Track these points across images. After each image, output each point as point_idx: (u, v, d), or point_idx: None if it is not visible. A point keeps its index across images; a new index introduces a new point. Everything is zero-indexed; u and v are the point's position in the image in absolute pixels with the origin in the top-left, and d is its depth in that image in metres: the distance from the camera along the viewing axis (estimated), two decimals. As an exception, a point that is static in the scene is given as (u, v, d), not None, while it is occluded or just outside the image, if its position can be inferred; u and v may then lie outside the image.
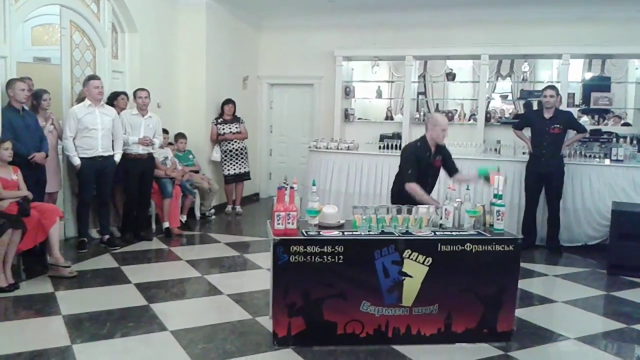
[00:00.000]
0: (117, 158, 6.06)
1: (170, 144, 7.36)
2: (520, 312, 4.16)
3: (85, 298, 4.48)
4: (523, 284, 4.85)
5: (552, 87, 6.30)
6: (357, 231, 3.70)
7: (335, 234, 3.66)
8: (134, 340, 3.71)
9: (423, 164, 4.65)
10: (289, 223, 3.59)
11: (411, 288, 3.61)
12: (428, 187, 4.73)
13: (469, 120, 8.84)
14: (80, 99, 6.10)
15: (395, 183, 4.90)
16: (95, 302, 4.33)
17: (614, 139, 7.13)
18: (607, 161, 6.54)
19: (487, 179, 4.34)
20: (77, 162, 5.76)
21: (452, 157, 4.90)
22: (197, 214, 7.75)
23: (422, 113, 9.07)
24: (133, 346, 3.63)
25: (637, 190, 6.15)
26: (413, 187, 4.54)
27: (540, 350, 3.68)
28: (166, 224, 6.71)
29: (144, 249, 6.09)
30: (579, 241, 6.45)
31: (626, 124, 8.36)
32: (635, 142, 7.00)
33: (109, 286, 4.79)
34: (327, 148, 7.36)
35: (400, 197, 4.58)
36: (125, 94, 6.55)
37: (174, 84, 8.01)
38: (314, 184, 3.95)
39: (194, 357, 3.43)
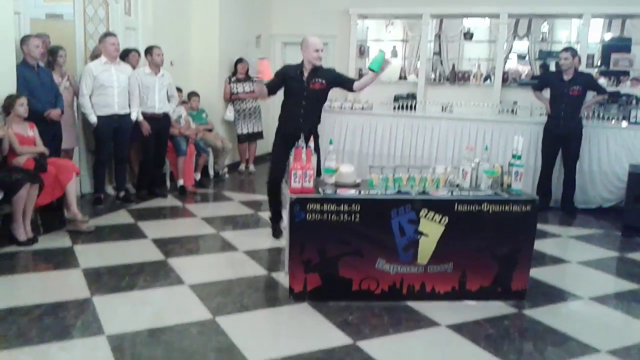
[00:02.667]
0: (134, 117, 6.07)
1: (183, 102, 7.34)
2: (533, 272, 4.16)
3: (103, 252, 4.55)
4: (537, 244, 4.78)
5: (567, 50, 6.17)
6: (373, 190, 3.70)
7: (352, 193, 3.67)
8: (153, 292, 3.79)
9: (292, 83, 4.63)
10: (305, 181, 3.60)
11: (427, 247, 3.63)
12: (303, 110, 4.65)
13: (485, 81, 8.72)
14: (94, 56, 6.07)
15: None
16: (113, 256, 4.40)
17: (633, 101, 7.01)
18: (624, 123, 6.45)
19: (380, 68, 4.37)
20: (93, 119, 5.77)
21: (346, 76, 4.90)
22: (211, 172, 7.77)
23: (437, 73, 8.95)
24: (152, 298, 3.71)
25: (655, 153, 6.09)
26: (261, 88, 4.61)
27: (553, 309, 3.72)
28: (180, 182, 6.74)
29: (160, 205, 6.15)
30: (594, 203, 6.43)
31: (645, 86, 8.20)
32: (654, 104, 6.89)
33: (126, 241, 4.86)
34: (341, 108, 7.30)
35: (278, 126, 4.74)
36: (136, 51, 6.48)
37: (187, 41, 7.93)
38: (330, 143, 3.95)
39: (212, 310, 3.49)
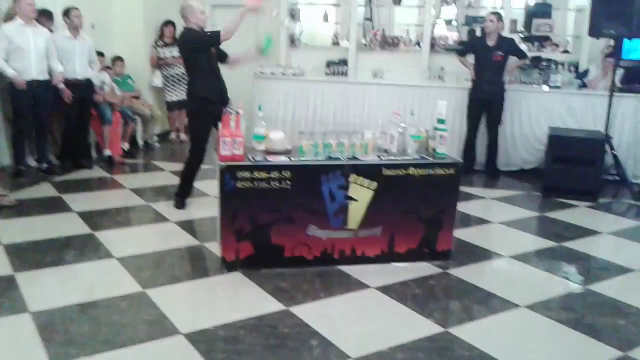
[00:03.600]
0: (60, 84, 5.78)
1: (107, 67, 7.04)
2: (458, 233, 4.35)
3: (26, 227, 4.37)
4: (462, 206, 5.02)
5: (494, 13, 6.35)
6: (304, 157, 3.72)
7: (282, 159, 3.67)
8: (80, 267, 3.70)
9: (206, 35, 4.56)
10: (235, 149, 3.57)
11: (356, 211, 3.70)
12: (219, 77, 4.69)
13: (415, 46, 8.81)
14: (8, 18, 5.69)
15: (191, 90, 4.69)
16: (36, 231, 4.24)
17: (553, 66, 7.30)
18: (545, 87, 6.72)
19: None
20: (11, 72, 5.40)
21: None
22: (140, 141, 7.55)
23: (368, 39, 8.96)
24: (79, 273, 3.62)
25: (573, 116, 6.39)
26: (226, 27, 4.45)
27: (476, 267, 3.90)
28: (107, 152, 6.52)
29: (85, 177, 5.93)
30: (516, 166, 6.71)
31: (565, 52, 8.55)
32: (572, 69, 7.20)
33: (50, 215, 4.68)
34: (272, 74, 7.23)
35: (201, 102, 4.54)
36: (49, 12, 6.11)
37: (109, 2, 7.56)
38: (260, 109, 3.91)
39: (143, 282, 3.45)
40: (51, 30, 5.95)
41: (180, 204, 4.93)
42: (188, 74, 4.71)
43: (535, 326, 3.13)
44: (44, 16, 6.01)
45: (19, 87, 5.52)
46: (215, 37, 4.43)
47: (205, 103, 4.54)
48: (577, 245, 4.39)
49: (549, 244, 4.42)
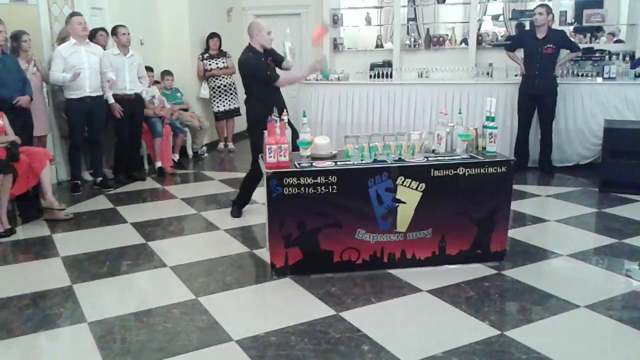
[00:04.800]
0: (110, 100, 5.98)
1: (156, 82, 7.23)
2: (513, 233, 4.24)
3: (83, 239, 4.51)
4: (516, 205, 4.91)
5: (543, 5, 6.15)
6: (349, 161, 3.69)
7: (328, 164, 3.65)
8: (134, 277, 3.78)
9: (263, 71, 4.56)
10: (280, 156, 3.58)
11: (405, 214, 3.64)
12: (277, 93, 4.65)
13: (461, 44, 8.67)
14: (60, 39, 5.93)
15: (249, 106, 4.73)
16: (92, 243, 4.36)
17: (607, 57, 7.03)
18: (599, 79, 6.47)
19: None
20: (68, 77, 5.54)
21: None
22: (190, 152, 7.71)
23: (412, 39, 8.87)
24: (133, 283, 3.70)
25: (630, 108, 6.12)
26: (286, 77, 4.63)
27: (532, 268, 3.76)
28: (159, 164, 6.68)
29: (138, 189, 6.09)
30: (571, 161, 6.48)
31: (619, 41, 8.22)
32: (627, 58, 6.91)
33: (106, 227, 4.82)
34: (316, 80, 7.23)
35: (257, 116, 4.48)
36: (104, 30, 6.34)
37: (156, 19, 7.77)
38: (304, 116, 3.91)
39: (195, 290, 3.49)
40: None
41: (237, 212, 4.98)
42: (245, 88, 4.77)
43: (597, 327, 2.99)
44: (101, 32, 6.26)
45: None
46: (270, 80, 4.54)
47: (262, 117, 4.55)
48: (639, 241, 4.18)
49: (608, 240, 4.22)
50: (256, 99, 4.64)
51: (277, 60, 4.73)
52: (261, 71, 4.55)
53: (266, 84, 4.55)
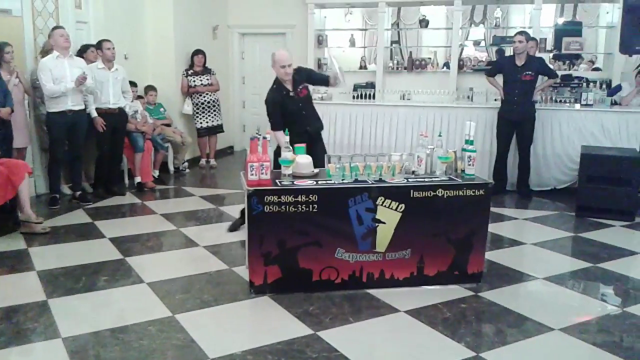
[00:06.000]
0: (93, 113, 5.96)
1: (139, 97, 7.21)
2: (490, 255, 4.28)
3: (59, 253, 4.46)
4: (494, 227, 4.97)
5: (522, 33, 6.28)
6: (331, 180, 3.72)
7: (309, 183, 3.67)
8: (110, 293, 3.74)
9: (288, 104, 4.57)
10: (262, 173, 3.60)
11: (384, 234, 3.66)
12: (307, 118, 4.68)
13: (442, 68, 8.82)
14: (44, 52, 5.91)
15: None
16: (69, 257, 4.31)
17: (584, 84, 7.20)
18: (577, 106, 6.61)
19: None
20: (70, 86, 5.56)
21: (319, 71, 4.82)
22: (171, 167, 7.69)
23: (395, 62, 9.01)
24: (109, 299, 3.66)
25: (606, 134, 6.26)
26: (277, 136, 4.46)
27: (509, 290, 3.80)
28: (138, 179, 6.65)
29: (118, 203, 6.04)
30: (549, 185, 6.59)
31: (596, 69, 8.44)
32: (604, 86, 7.09)
33: (83, 241, 4.77)
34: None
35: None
36: (96, 46, 6.32)
37: (141, 34, 7.78)
38: (286, 134, 3.94)
39: (172, 307, 3.46)
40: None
41: (234, 228, 5.01)
42: None
43: (571, 350, 3.03)
44: (92, 49, 6.26)
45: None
46: (272, 125, 4.57)
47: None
48: (614, 266, 4.25)
49: (583, 265, 4.29)
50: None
51: (318, 80, 4.85)
52: (270, 116, 4.59)
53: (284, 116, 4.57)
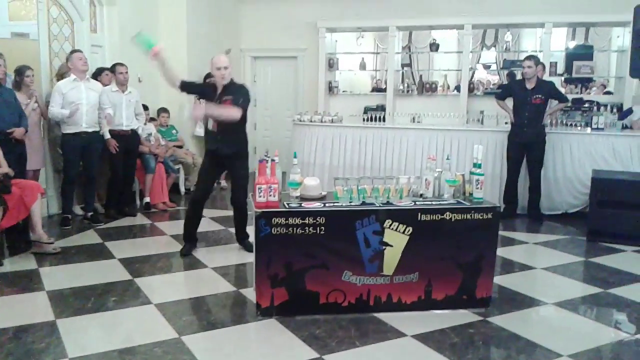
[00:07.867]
0: (107, 135, 6.05)
1: (152, 119, 7.31)
2: (500, 279, 4.25)
3: (69, 274, 4.49)
4: (504, 251, 4.94)
5: (530, 58, 6.29)
6: (338, 202, 3.73)
7: (316, 205, 3.68)
8: (118, 314, 3.74)
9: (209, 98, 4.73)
10: (270, 195, 3.61)
11: (392, 257, 3.65)
12: (218, 129, 4.75)
13: (453, 91, 8.86)
14: (59, 75, 6.03)
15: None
16: (79, 278, 4.34)
17: (595, 108, 7.18)
18: (588, 130, 6.60)
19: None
20: (66, 112, 5.65)
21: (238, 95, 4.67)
22: (182, 189, 7.74)
23: (406, 85, 9.06)
24: (117, 320, 3.67)
25: (617, 158, 6.22)
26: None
27: (518, 315, 3.76)
28: (147, 199, 6.71)
29: (128, 224, 6.09)
30: (560, 209, 6.54)
31: (608, 93, 8.42)
32: (615, 110, 7.07)
33: (93, 262, 4.80)
34: (310, 121, 7.34)
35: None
36: (110, 69, 6.44)
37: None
38: (295, 156, 3.97)
39: (178, 328, 3.47)
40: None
41: (184, 250, 5.06)
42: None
43: (581, 378, 2.99)
44: (106, 72, 6.39)
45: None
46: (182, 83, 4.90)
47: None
48: (625, 291, 4.19)
49: (595, 290, 4.24)
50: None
51: (234, 103, 4.61)
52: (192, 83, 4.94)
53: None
